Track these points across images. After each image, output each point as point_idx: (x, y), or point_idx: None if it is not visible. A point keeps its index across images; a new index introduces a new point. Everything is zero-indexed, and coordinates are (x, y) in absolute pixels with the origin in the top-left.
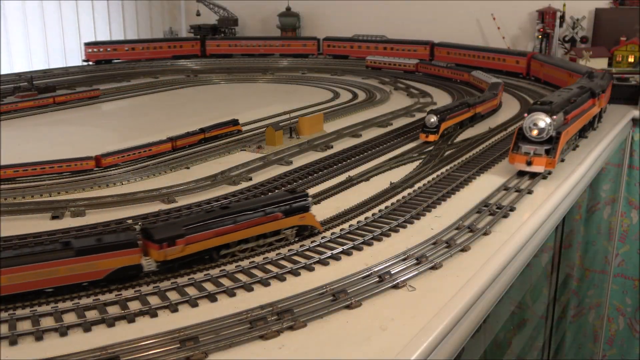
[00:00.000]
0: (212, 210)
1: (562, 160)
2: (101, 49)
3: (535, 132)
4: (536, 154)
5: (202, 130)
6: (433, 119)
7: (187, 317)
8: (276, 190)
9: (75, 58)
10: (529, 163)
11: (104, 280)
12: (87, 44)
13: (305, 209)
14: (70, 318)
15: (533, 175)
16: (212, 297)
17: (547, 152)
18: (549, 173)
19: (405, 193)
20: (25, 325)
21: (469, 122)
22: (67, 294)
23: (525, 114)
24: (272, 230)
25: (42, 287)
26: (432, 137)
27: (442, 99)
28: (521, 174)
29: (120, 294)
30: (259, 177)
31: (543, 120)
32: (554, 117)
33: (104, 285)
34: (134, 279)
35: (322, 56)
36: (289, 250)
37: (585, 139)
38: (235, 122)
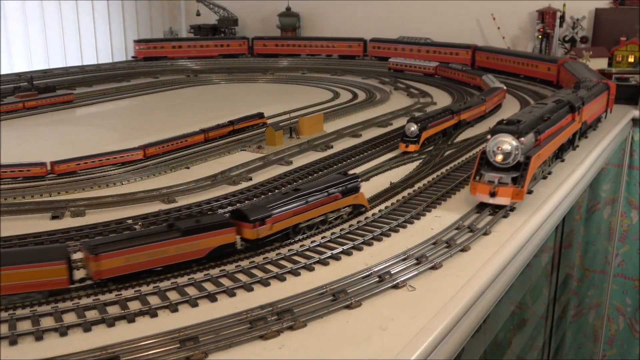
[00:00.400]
0: (287, 192)
1: (563, 160)
2: (149, 47)
3: (499, 157)
4: (501, 182)
5: (231, 123)
6: (413, 127)
7: (187, 317)
8: (330, 174)
9: (75, 58)
10: (493, 194)
11: (205, 258)
12: (137, 41)
13: (357, 189)
14: (70, 318)
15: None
16: (212, 297)
17: (514, 180)
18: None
19: (405, 193)
20: (25, 325)
21: (453, 130)
22: (174, 271)
23: (489, 136)
24: (333, 210)
25: (154, 267)
26: (412, 147)
27: (442, 99)
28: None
29: (120, 294)
30: (259, 177)
31: (509, 143)
32: (522, 139)
33: (205, 263)
34: (229, 256)
35: (368, 58)
36: (289, 250)
37: (586, 138)
38: (260, 115)
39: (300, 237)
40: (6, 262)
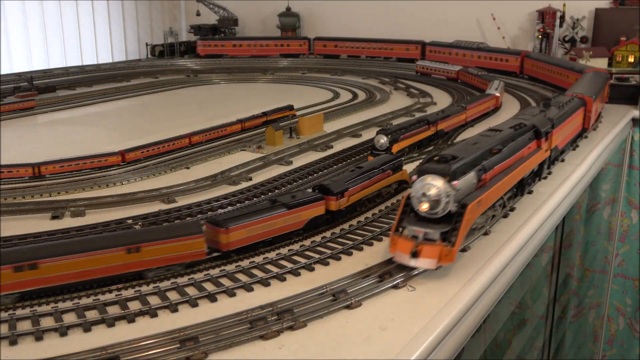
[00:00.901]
0: (354, 170)
1: (563, 160)
2: (211, 44)
3: (425, 206)
4: (427, 239)
5: (264, 114)
6: (383, 140)
7: (187, 317)
8: (380, 155)
9: (75, 58)
10: (414, 254)
11: (302, 229)
12: (200, 39)
13: (401, 167)
14: (70, 318)
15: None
16: (212, 297)
17: (444, 236)
18: (512, 210)
19: (405, 193)
20: (25, 325)
21: (429, 142)
22: (279, 242)
23: (414, 176)
24: (386, 185)
25: (264, 239)
26: None
27: (442, 99)
28: None
29: (120, 294)
30: (259, 177)
31: (437, 188)
32: (456, 182)
33: (302, 234)
34: (320, 226)
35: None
36: (289, 250)
37: (586, 138)
38: (291, 108)
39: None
40: (151, 238)
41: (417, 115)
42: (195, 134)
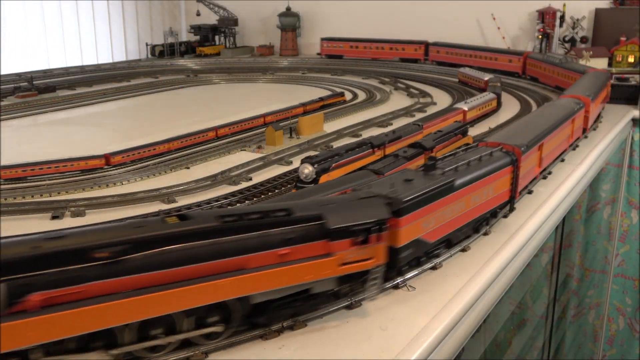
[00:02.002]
0: (436, 132)
1: (563, 160)
2: (331, 45)
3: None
4: None
5: (321, 99)
6: (308, 169)
7: None
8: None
9: (75, 58)
10: None
11: None
12: (324, 39)
13: (467, 132)
14: None
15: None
16: None
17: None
18: (512, 210)
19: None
20: None
21: None
22: None
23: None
24: (458, 147)
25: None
26: None
27: (442, 98)
28: None
29: None
30: (259, 177)
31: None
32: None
33: None
34: None
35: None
36: None
37: (586, 138)
38: (342, 94)
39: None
40: None
41: (410, 118)
42: (270, 114)
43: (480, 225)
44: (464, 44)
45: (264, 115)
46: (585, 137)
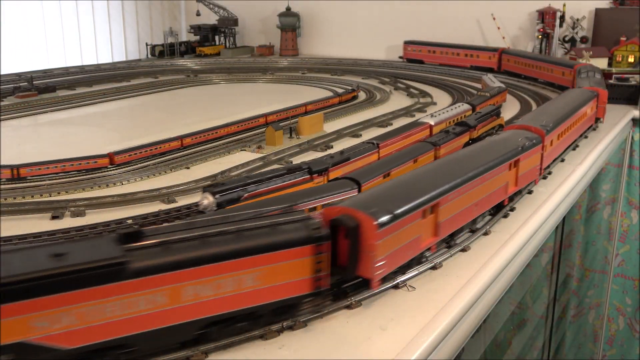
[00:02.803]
0: (477, 113)
1: (563, 160)
2: (414, 49)
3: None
4: None
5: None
6: (208, 200)
7: None
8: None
9: (75, 58)
10: None
11: None
12: (407, 42)
13: (500, 114)
14: None
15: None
16: None
17: None
18: (512, 210)
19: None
20: None
21: None
22: None
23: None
24: (492, 127)
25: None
26: None
27: (442, 99)
28: None
29: None
30: None
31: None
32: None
33: None
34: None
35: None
36: None
37: (586, 138)
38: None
39: None
40: None
41: (412, 117)
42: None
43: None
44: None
45: (295, 108)
46: (586, 137)
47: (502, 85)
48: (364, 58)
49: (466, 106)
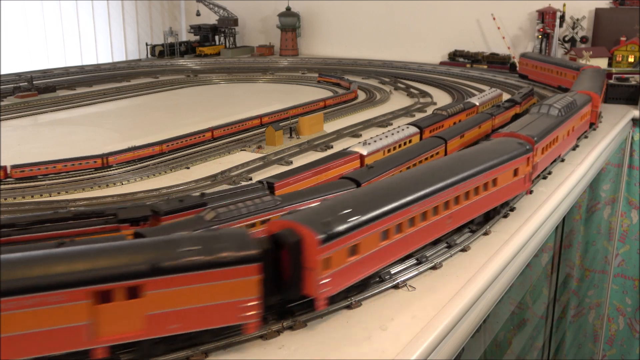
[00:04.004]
0: (520, 91)
1: (563, 160)
2: (526, 64)
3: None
4: None
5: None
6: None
7: None
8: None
9: (75, 58)
10: None
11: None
12: (523, 56)
13: (533, 94)
14: None
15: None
16: None
17: None
18: (512, 210)
19: None
20: None
21: None
22: None
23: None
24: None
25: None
26: None
27: (442, 99)
28: None
29: None
30: (259, 177)
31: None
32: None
33: None
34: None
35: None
36: None
37: (586, 138)
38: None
39: None
40: None
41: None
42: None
43: None
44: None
45: (292, 108)
46: (586, 137)
47: (476, 103)
48: (364, 58)
49: (412, 129)
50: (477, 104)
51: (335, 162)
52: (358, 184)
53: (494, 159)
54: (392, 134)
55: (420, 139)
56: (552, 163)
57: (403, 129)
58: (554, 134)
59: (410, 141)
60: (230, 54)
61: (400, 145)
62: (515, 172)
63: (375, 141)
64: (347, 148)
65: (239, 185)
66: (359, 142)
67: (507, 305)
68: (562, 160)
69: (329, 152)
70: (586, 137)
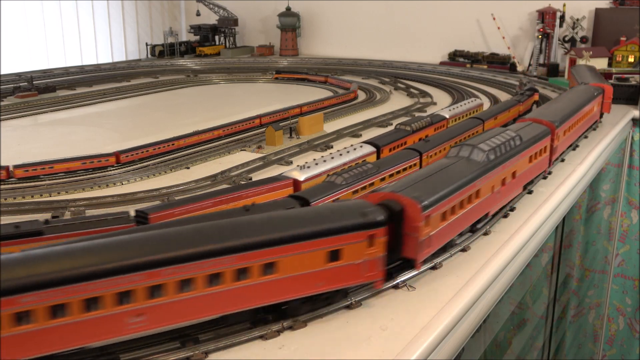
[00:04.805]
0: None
1: (563, 160)
2: None
3: None
4: None
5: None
6: None
7: None
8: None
9: (75, 58)
10: None
11: None
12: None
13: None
14: None
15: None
16: None
17: None
18: (512, 210)
19: None
20: None
21: None
22: None
23: None
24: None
25: None
26: None
27: (443, 99)
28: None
29: None
30: (259, 177)
31: None
32: None
33: None
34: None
35: None
36: None
37: (586, 138)
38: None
39: None
40: None
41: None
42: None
43: None
44: None
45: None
46: (586, 137)
47: (445, 115)
48: (364, 58)
49: (366, 149)
50: (447, 116)
51: (262, 188)
52: (420, 154)
53: None
54: (341, 154)
55: (378, 157)
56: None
57: (355, 149)
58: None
59: (364, 161)
60: (230, 54)
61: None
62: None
63: (317, 163)
64: (282, 173)
65: (100, 215)
66: (298, 166)
67: (507, 305)
68: (562, 160)
69: (329, 152)
70: (586, 137)
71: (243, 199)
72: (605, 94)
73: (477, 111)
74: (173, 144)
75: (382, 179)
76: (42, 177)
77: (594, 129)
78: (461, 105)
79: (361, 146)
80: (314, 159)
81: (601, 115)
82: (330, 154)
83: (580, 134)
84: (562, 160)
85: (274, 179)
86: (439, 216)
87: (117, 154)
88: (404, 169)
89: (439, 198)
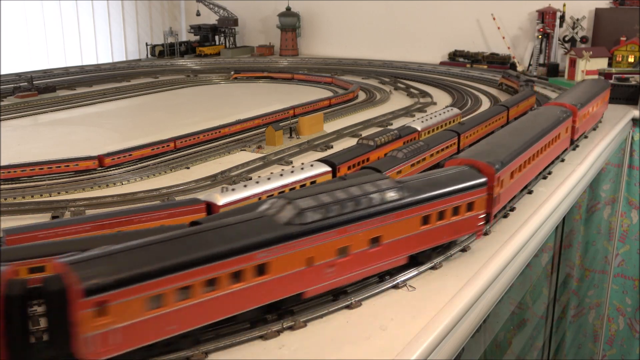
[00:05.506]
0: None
1: (563, 160)
2: None
3: None
4: None
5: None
6: None
7: None
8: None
9: (75, 58)
10: None
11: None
12: None
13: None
14: None
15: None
16: None
17: None
18: (512, 210)
19: None
20: None
21: None
22: None
23: None
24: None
25: None
26: None
27: (443, 99)
28: None
29: None
30: (259, 177)
31: None
32: None
33: None
34: None
35: None
36: None
37: (586, 138)
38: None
39: None
40: None
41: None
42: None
43: None
44: None
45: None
46: (586, 137)
47: (417, 128)
48: (364, 58)
49: (320, 168)
50: (419, 128)
51: (141, 216)
52: (458, 134)
53: None
54: (281, 174)
55: (334, 176)
56: None
57: (303, 168)
58: None
59: (314, 182)
60: (230, 54)
61: (292, 189)
62: None
63: (245, 186)
64: (210, 192)
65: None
66: (221, 187)
67: (507, 305)
68: (562, 161)
69: (329, 152)
70: (586, 137)
71: (135, 223)
72: (575, 116)
73: (453, 122)
74: (219, 132)
75: (431, 155)
76: (22, 179)
77: (594, 129)
78: (435, 116)
79: (312, 165)
80: (243, 182)
81: (572, 142)
82: (282, 170)
83: (536, 173)
84: (562, 161)
85: (188, 202)
86: (508, 176)
87: (100, 157)
88: (447, 147)
89: (509, 160)
